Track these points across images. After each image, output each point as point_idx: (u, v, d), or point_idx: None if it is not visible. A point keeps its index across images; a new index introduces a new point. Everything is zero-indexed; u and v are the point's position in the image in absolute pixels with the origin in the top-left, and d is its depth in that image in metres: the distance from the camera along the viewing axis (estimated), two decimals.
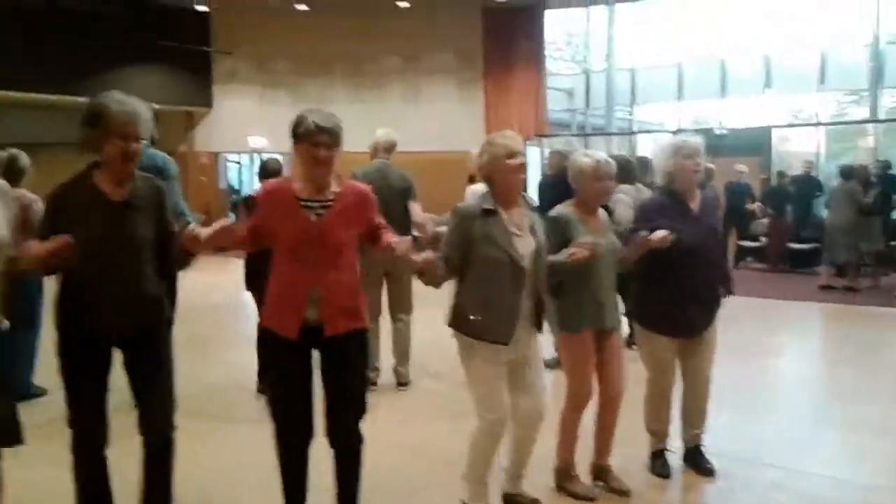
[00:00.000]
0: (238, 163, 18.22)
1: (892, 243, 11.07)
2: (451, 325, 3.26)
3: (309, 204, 2.93)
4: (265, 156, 10.61)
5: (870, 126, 13.38)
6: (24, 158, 4.98)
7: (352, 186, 3.09)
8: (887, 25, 12.96)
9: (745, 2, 14.19)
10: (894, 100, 13.43)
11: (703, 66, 14.80)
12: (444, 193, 7.25)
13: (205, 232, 2.75)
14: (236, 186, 18.20)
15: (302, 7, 14.99)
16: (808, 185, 11.80)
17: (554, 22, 15.68)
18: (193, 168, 16.34)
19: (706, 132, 13.65)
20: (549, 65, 15.76)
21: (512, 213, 3.24)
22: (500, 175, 3.22)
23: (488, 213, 3.19)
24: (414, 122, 15.12)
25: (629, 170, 6.12)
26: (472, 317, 3.16)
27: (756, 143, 13.50)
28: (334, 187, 3.00)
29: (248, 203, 4.89)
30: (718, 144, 13.08)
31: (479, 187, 5.53)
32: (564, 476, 3.69)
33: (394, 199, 5.11)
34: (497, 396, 3.21)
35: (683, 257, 3.62)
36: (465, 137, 13.98)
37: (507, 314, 3.16)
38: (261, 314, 3.19)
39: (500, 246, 3.16)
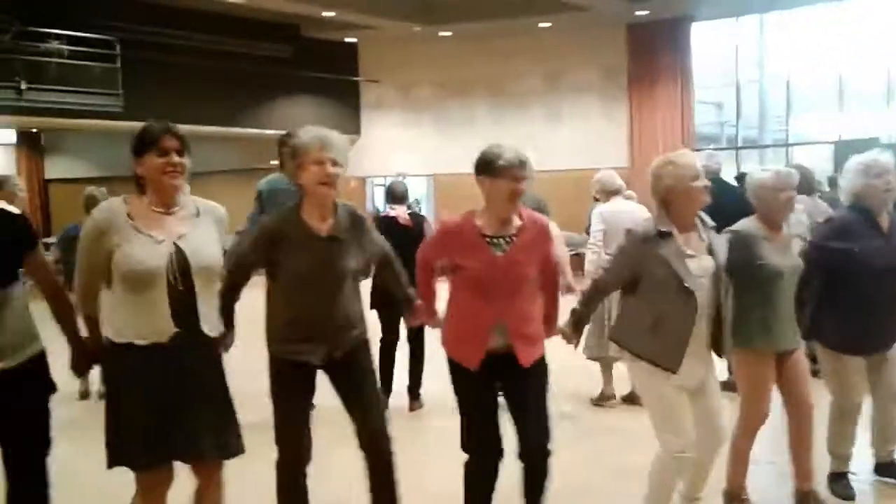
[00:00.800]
0: (384, 186, 18.80)
1: None
2: (620, 343, 3.27)
3: (494, 240, 3.01)
4: (390, 179, 10.91)
5: None
6: (101, 195, 5.59)
7: (531, 217, 3.12)
8: None
9: None
10: None
11: (868, 72, 13.82)
12: (586, 211, 7.15)
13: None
14: (382, 209, 18.75)
15: (445, 33, 15.33)
16: None
17: (702, 33, 15.20)
18: (344, 192, 16.93)
19: (871, 141, 12.76)
20: (697, 78, 15.27)
21: (688, 235, 3.14)
22: (683, 197, 3.10)
23: (663, 236, 3.09)
24: (556, 140, 15.06)
25: (809, 179, 5.81)
26: (644, 338, 3.11)
27: None
28: (516, 220, 3.06)
29: (378, 223, 5.02)
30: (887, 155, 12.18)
31: (607, 207, 5.43)
32: (734, 499, 3.61)
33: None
34: (679, 420, 3.10)
35: (874, 276, 3.56)
36: (609, 154, 13.80)
37: (675, 341, 3.06)
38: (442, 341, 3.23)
39: (673, 269, 3.05)
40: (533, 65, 15.84)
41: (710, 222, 3.24)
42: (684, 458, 3.08)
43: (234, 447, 2.68)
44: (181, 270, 2.54)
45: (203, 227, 2.66)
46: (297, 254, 2.86)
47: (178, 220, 2.62)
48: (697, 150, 15.00)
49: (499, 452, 3.11)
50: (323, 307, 2.93)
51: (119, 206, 2.59)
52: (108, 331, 2.61)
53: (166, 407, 2.54)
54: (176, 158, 2.57)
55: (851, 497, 3.78)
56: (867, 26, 13.81)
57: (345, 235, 2.98)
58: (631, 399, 5.38)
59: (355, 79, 16.95)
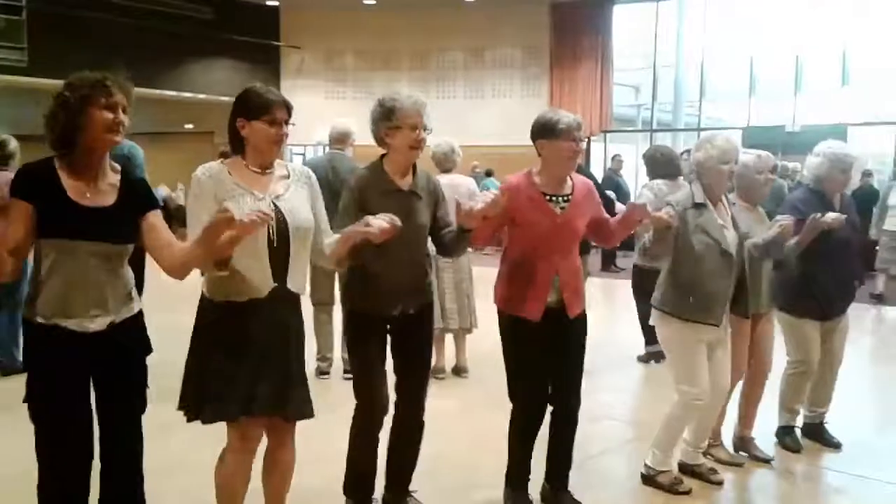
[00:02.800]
0: (303, 155, 18.53)
1: None
2: (657, 305, 3.58)
3: (554, 198, 3.21)
4: (310, 148, 10.26)
5: None
6: (13, 143, 5.33)
7: (581, 180, 3.34)
8: None
9: None
10: None
11: (776, 61, 14.39)
12: None
13: (477, 206, 2.88)
14: None
15: (370, 2, 15.14)
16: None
17: (622, 17, 15.50)
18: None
19: (778, 129, 13.33)
20: (617, 60, 15.59)
21: (718, 207, 3.57)
22: (713, 175, 3.51)
23: (699, 206, 3.49)
24: (478, 116, 15.14)
25: (671, 160, 5.89)
26: (678, 296, 3.49)
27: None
28: (569, 181, 3.27)
29: None
30: (790, 142, 12.74)
31: (455, 178, 5.39)
32: (712, 445, 4.00)
33: (343, 190, 5.01)
34: (699, 372, 3.50)
35: (834, 248, 3.94)
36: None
37: (719, 298, 3.50)
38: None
39: (713, 236, 3.47)
40: (457, 39, 15.85)
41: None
42: (697, 404, 3.52)
43: (310, 409, 2.71)
44: (279, 229, 2.59)
45: (295, 189, 2.71)
46: (384, 205, 2.91)
47: (274, 180, 2.68)
48: (613, 132, 15.42)
49: (546, 401, 3.30)
50: (403, 260, 3.03)
51: (219, 167, 2.63)
52: (204, 287, 2.64)
53: (261, 362, 2.59)
54: (285, 129, 2.65)
55: (798, 449, 4.18)
56: (777, 17, 14.35)
57: (422, 193, 3.11)
58: (457, 371, 5.65)
59: (276, 44, 16.59)
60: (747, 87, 14.62)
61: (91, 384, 2.50)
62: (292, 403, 2.65)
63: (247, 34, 15.44)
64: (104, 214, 2.40)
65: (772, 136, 13.01)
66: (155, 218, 2.55)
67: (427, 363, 3.27)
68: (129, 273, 2.55)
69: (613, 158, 12.88)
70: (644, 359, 6.14)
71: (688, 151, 5.82)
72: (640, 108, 16.81)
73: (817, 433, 4.32)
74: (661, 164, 5.85)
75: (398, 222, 2.71)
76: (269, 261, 2.58)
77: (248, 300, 2.57)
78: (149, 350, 2.62)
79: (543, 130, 3.20)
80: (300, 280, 2.70)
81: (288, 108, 2.65)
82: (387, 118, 3.00)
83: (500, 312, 3.31)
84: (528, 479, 3.38)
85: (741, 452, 4.08)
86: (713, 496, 3.68)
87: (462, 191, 5.14)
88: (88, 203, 2.40)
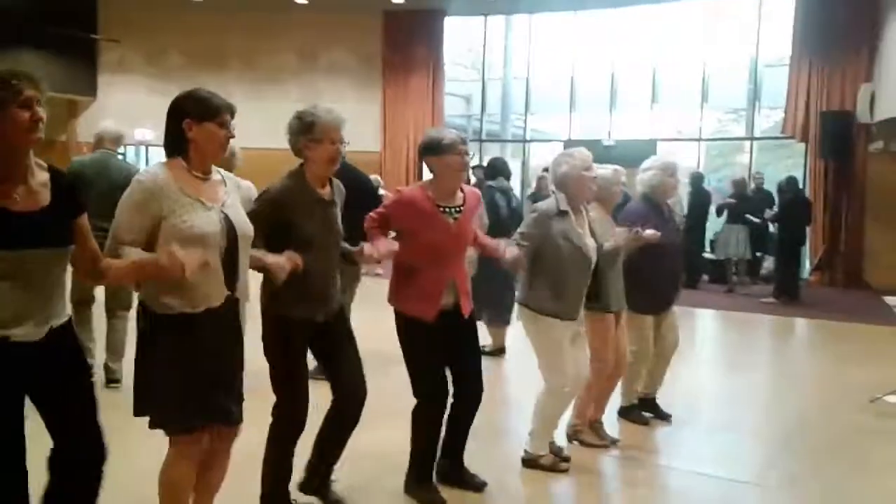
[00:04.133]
0: (123, 154, 17.52)
1: (758, 254, 11.88)
2: (523, 303, 3.95)
3: (447, 209, 3.45)
4: (131, 147, 10.08)
5: (746, 143, 14.20)
6: None
7: (470, 191, 3.62)
8: (765, 50, 13.78)
9: (635, 20, 14.78)
10: (770, 119, 14.22)
11: (595, 79, 15.30)
12: None
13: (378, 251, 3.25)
14: None
15: None
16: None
17: (454, 28, 15.90)
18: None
19: (595, 143, 14.15)
20: (449, 70, 15.97)
21: (579, 215, 3.98)
22: (577, 182, 3.93)
23: (562, 214, 3.89)
24: None
25: (502, 170, 6.95)
26: (543, 295, 3.85)
27: (642, 156, 13.95)
28: (460, 193, 3.53)
29: None
30: (606, 155, 13.55)
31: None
32: (580, 430, 4.49)
33: (113, 192, 4.86)
34: (565, 363, 3.90)
35: (665, 250, 4.55)
36: (363, 138, 13.98)
37: (577, 297, 3.92)
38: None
39: (573, 241, 3.87)
40: (288, 41, 15.61)
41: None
42: (566, 392, 3.95)
43: (241, 414, 2.78)
44: (228, 237, 2.63)
45: (233, 195, 2.74)
46: (310, 214, 3.07)
47: (213, 186, 2.68)
48: None
49: (447, 395, 3.52)
50: (327, 266, 3.16)
51: (164, 171, 2.59)
52: (154, 302, 2.58)
53: (218, 369, 2.65)
54: (232, 133, 2.67)
55: (645, 422, 4.85)
56: (594, 36, 15.28)
57: (338, 201, 3.26)
58: None
59: (94, 37, 15.61)
60: (568, 101, 15.43)
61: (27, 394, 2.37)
62: (239, 408, 2.75)
63: (61, 25, 14.42)
64: (39, 219, 2.27)
65: (590, 148, 13.69)
66: (83, 221, 2.44)
67: (358, 356, 3.38)
68: (66, 277, 2.47)
69: None
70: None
71: (546, 169, 6.47)
72: (471, 118, 17.29)
73: (651, 407, 4.98)
74: (499, 170, 6.75)
75: (299, 262, 2.91)
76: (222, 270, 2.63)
77: (205, 310, 2.59)
78: (82, 353, 2.55)
79: (430, 149, 3.44)
80: (244, 287, 2.77)
81: (232, 112, 2.67)
82: (307, 131, 3.10)
83: (397, 314, 3.52)
84: (434, 469, 3.62)
85: (575, 441, 4.50)
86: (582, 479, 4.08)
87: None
88: (20, 208, 2.25)
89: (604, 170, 4.35)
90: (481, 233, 3.92)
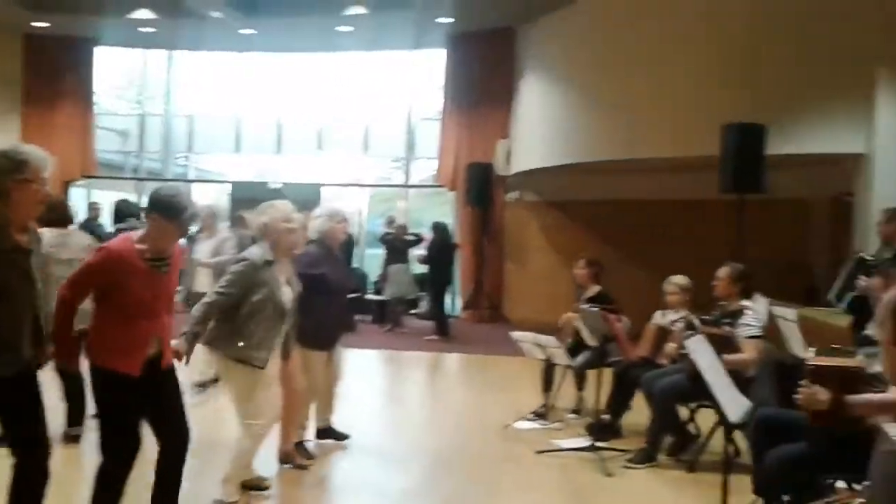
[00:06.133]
0: None
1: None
2: (208, 344, 4.10)
3: (155, 263, 3.37)
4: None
5: (405, 190, 15.12)
6: None
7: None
8: (419, 105, 14.86)
9: (300, 67, 15.11)
10: (428, 168, 15.19)
11: (261, 120, 15.30)
12: None
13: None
14: None
15: None
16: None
17: (112, 59, 14.89)
18: None
19: (262, 185, 14.10)
20: (107, 103, 14.87)
21: (281, 265, 4.21)
22: (278, 234, 4.17)
23: (268, 263, 4.11)
24: None
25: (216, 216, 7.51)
26: (240, 344, 4.00)
27: (308, 199, 14.28)
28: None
29: None
30: (273, 197, 13.54)
31: None
32: (290, 454, 4.88)
33: None
34: (260, 405, 4.11)
35: (336, 291, 4.95)
36: None
37: (267, 345, 4.08)
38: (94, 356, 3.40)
39: (272, 290, 4.09)
40: None
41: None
42: (262, 434, 4.20)
43: None
44: None
45: None
46: (5, 267, 2.93)
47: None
48: (100, 178, 14.59)
49: (137, 454, 3.40)
50: (27, 317, 3.05)
51: None
52: None
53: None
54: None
55: (313, 457, 5.10)
56: (260, 81, 15.33)
57: (34, 249, 3.12)
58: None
59: None
60: (233, 143, 15.22)
61: None
62: None
63: None
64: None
65: (257, 191, 13.70)
66: None
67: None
68: None
69: (91, 206, 12.61)
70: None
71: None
72: (129, 154, 16.24)
73: (329, 433, 5.42)
74: (126, 213, 6.24)
75: None
76: None
77: None
78: None
79: (163, 207, 3.35)
80: None
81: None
82: (17, 170, 2.94)
83: (95, 368, 3.37)
84: None
85: (286, 464, 4.87)
86: None
87: None
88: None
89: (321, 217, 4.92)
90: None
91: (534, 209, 13.13)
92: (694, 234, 10.51)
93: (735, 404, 3.66)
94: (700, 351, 3.85)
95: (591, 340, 6.07)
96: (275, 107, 15.18)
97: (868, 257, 5.59)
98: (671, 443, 5.46)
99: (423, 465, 5.26)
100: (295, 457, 4.92)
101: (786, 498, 3.64)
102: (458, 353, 10.30)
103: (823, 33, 8.60)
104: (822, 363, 3.32)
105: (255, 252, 4.14)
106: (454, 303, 13.41)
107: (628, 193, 11.76)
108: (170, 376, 3.54)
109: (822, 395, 3.13)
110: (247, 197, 12.59)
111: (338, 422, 5.52)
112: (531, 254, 13.09)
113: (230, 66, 15.30)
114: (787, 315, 5.74)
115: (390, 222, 12.34)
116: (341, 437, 5.49)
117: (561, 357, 6.08)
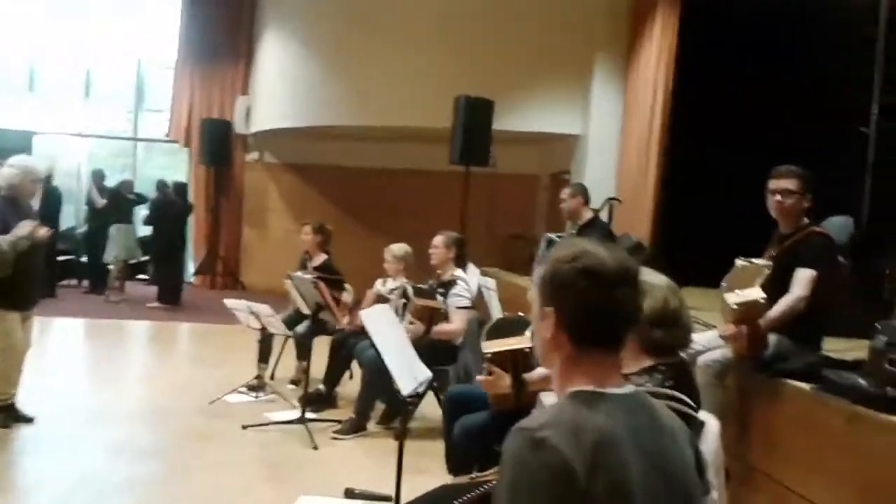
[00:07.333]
0: None
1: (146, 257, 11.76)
2: None
3: None
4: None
5: (130, 144, 13.84)
6: None
7: None
8: (149, 50, 13.55)
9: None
10: (158, 122, 13.97)
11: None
12: None
13: None
14: None
15: None
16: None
17: None
18: None
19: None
20: None
21: None
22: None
23: None
24: None
25: None
26: None
27: (18, 147, 12.60)
28: None
29: None
30: None
31: None
32: None
33: None
34: None
35: (34, 253, 4.74)
36: None
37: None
38: None
39: None
40: None
41: None
42: None
43: None
44: None
45: None
46: None
47: None
48: None
49: None
50: None
51: None
52: None
53: None
54: None
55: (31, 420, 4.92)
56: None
57: None
58: None
59: None
60: None
61: None
62: None
63: None
64: None
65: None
66: None
67: None
68: None
69: None
70: None
71: None
72: None
73: (11, 412, 4.91)
74: None
75: None
76: None
77: None
78: None
79: None
80: None
81: None
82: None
83: None
84: None
85: None
86: None
87: None
88: None
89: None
90: None
91: (274, 171, 12.68)
92: (426, 204, 10.65)
93: (408, 377, 3.60)
94: (374, 321, 3.80)
95: (304, 308, 5.88)
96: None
97: (555, 237, 5.90)
98: (383, 411, 5.44)
99: (109, 449, 4.71)
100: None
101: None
102: (184, 321, 9.67)
103: (553, 14, 9.02)
104: (495, 349, 3.41)
105: None
106: (187, 268, 12.62)
107: (364, 161, 11.71)
108: None
109: (504, 379, 3.20)
110: None
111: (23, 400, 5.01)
112: (270, 218, 12.65)
113: None
114: (489, 285, 5.93)
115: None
116: (26, 418, 4.98)
117: (277, 326, 5.82)
